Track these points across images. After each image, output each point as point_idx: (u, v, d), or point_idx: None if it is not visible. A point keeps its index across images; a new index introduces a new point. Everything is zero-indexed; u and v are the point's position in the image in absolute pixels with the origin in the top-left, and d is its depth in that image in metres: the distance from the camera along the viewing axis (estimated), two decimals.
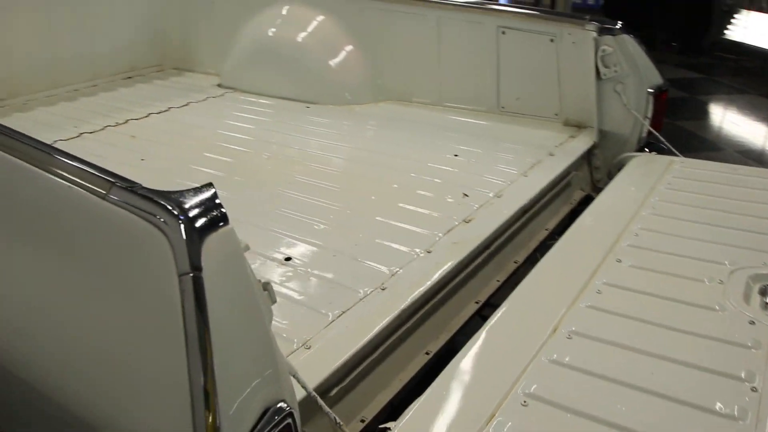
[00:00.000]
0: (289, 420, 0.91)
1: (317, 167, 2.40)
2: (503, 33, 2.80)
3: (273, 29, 3.34)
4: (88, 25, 3.42)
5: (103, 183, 0.97)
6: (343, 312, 1.53)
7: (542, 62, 2.75)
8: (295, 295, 1.60)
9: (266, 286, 1.01)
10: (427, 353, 1.66)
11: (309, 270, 1.71)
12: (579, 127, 2.75)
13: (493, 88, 2.92)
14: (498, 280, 1.97)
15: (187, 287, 0.84)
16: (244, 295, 0.90)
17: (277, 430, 0.88)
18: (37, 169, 1.08)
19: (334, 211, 2.05)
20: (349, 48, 3.20)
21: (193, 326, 0.82)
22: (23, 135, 1.18)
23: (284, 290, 1.62)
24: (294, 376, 1.06)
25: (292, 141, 2.68)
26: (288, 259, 1.76)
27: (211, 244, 0.88)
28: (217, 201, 0.93)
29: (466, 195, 2.15)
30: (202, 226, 0.89)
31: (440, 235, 1.88)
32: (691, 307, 1.53)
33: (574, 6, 8.47)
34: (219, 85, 3.49)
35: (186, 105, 3.18)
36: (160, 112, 3.07)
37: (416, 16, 3.00)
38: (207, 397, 0.81)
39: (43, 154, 1.10)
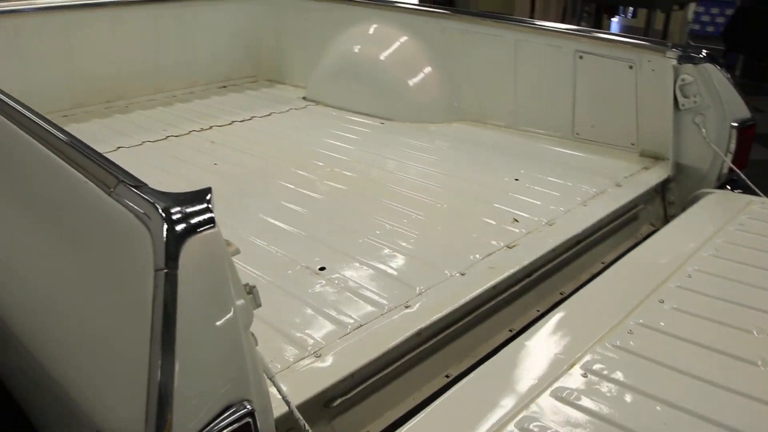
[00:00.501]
0: (249, 419, 0.93)
1: (368, 179, 2.44)
2: (581, 57, 2.72)
3: (358, 46, 3.43)
4: (190, 37, 3.68)
5: (112, 180, 1.06)
6: (362, 325, 1.55)
7: (620, 89, 2.64)
8: (320, 304, 1.63)
9: (251, 290, 1.05)
10: (446, 376, 1.64)
11: (340, 280, 1.74)
12: (656, 158, 2.61)
13: (569, 113, 2.84)
14: (538, 310, 1.91)
15: (160, 282, 0.89)
16: (218, 296, 0.94)
17: (236, 426, 0.91)
18: (60, 160, 1.18)
19: (375, 224, 2.07)
20: (428, 68, 3.23)
21: (160, 319, 0.87)
22: (58, 127, 1.30)
23: (310, 299, 1.66)
24: (271, 379, 1.09)
25: (356, 154, 2.73)
26: (322, 268, 1.81)
27: (193, 244, 0.93)
28: (208, 206, 0.98)
29: (516, 220, 2.10)
30: (185, 227, 0.94)
31: (478, 257, 1.86)
32: (730, 359, 1.42)
33: (691, 33, 8.03)
34: (304, 98, 3.63)
35: (269, 115, 3.33)
36: (243, 121, 3.24)
37: (495, 37, 2.98)
38: (163, 386, 0.85)
39: (69, 148, 1.21)
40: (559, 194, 2.31)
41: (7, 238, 1.32)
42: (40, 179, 1.30)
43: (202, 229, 0.95)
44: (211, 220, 0.97)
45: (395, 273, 1.78)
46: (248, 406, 0.94)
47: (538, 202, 2.24)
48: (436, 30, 3.18)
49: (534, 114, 2.97)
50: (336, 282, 1.74)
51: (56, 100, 3.28)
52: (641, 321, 1.55)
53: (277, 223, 2.09)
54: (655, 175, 2.48)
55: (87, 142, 2.78)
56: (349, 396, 1.42)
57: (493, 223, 2.09)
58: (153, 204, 0.96)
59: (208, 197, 1.01)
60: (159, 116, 3.31)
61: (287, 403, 1.10)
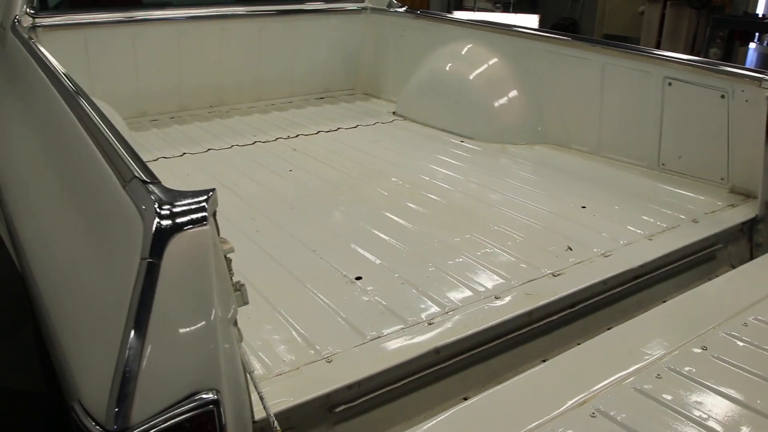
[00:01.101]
0: (212, 407, 0.98)
1: (433, 195, 2.44)
2: (669, 84, 2.57)
3: (449, 64, 3.45)
4: (291, 49, 3.87)
5: (128, 174, 1.16)
6: (379, 336, 1.56)
7: (711, 119, 2.46)
8: (346, 312, 1.67)
9: (239, 288, 1.10)
10: (465, 398, 1.61)
11: (372, 291, 1.77)
12: (747, 196, 2.41)
13: (655, 143, 2.69)
14: (578, 343, 1.82)
15: (143, 270, 0.97)
16: (199, 289, 1.01)
17: (197, 412, 0.97)
18: (97, 151, 1.31)
19: (424, 239, 2.08)
20: (514, 89, 3.19)
21: (136, 303, 0.95)
22: (109, 125, 1.43)
23: (338, 307, 1.70)
24: (249, 375, 1.13)
25: (426, 169, 2.75)
26: (359, 278, 1.84)
27: (181, 239, 1.00)
28: (204, 205, 1.05)
29: (569, 248, 2.03)
30: (176, 222, 1.01)
31: (517, 283, 1.81)
32: (762, 418, 1.28)
33: None
34: (393, 113, 3.70)
35: (355, 127, 3.43)
36: (329, 131, 3.36)
37: (582, 60, 2.89)
38: (131, 364, 0.93)
39: (106, 141, 1.34)
40: (625, 225, 2.19)
41: (43, 209, 1.51)
42: (78, 165, 1.47)
43: (192, 226, 1.02)
44: (204, 219, 1.03)
45: (427, 289, 1.78)
46: (214, 396, 1.00)
47: (601, 232, 2.14)
48: (524, 51, 3.14)
49: (619, 141, 2.84)
50: (369, 292, 1.77)
51: (166, 102, 3.58)
52: (672, 366, 1.44)
53: (323, 227, 2.16)
54: (740, 214, 2.29)
55: (183, 142, 3.05)
56: (353, 404, 1.44)
57: (546, 249, 2.02)
58: (152, 199, 1.04)
59: (207, 197, 1.07)
60: (254, 122, 3.51)
61: (261, 399, 1.14)
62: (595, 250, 2.02)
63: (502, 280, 1.83)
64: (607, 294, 1.91)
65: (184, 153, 2.97)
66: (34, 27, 3.02)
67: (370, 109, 3.84)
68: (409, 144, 3.13)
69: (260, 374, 1.43)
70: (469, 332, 1.59)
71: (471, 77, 3.32)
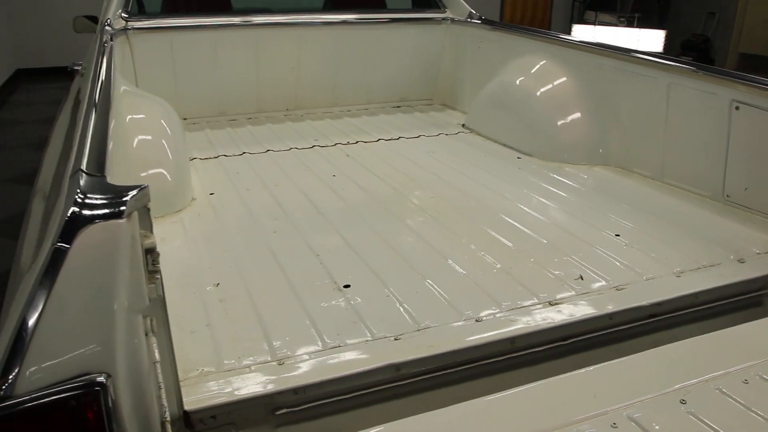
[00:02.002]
0: (99, 389, 1.03)
1: (463, 212, 2.38)
2: (737, 108, 2.33)
3: (518, 78, 3.35)
4: (369, 57, 3.94)
5: (77, 165, 1.25)
6: (339, 346, 1.56)
7: None
8: (319, 318, 1.68)
9: (153, 280, 1.15)
10: None
11: (355, 301, 1.76)
12: None
13: (720, 172, 2.44)
14: None
15: (50, 254, 1.04)
16: (104, 280, 1.06)
17: (82, 392, 1.02)
18: (72, 144, 1.42)
19: (434, 255, 2.04)
20: (578, 106, 3.03)
21: (38, 284, 1.02)
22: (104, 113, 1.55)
23: (313, 312, 1.71)
24: (154, 364, 1.17)
25: (468, 184, 2.68)
26: (347, 286, 1.84)
27: (95, 230, 1.06)
28: (126, 199, 1.11)
29: (581, 278, 1.90)
30: (91, 214, 1.08)
31: (507, 307, 1.73)
32: None
33: None
34: (462, 125, 3.65)
35: (417, 137, 3.43)
36: (389, 140, 3.38)
37: (647, 78, 2.69)
38: (22, 339, 1.00)
39: (80, 135, 1.44)
40: (655, 259, 2.02)
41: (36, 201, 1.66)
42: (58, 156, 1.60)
43: (106, 218, 1.08)
44: (121, 213, 1.09)
45: (412, 306, 1.74)
46: (104, 379, 1.05)
47: (624, 264, 1.99)
48: (593, 67, 2.98)
49: (683, 168, 2.61)
50: (352, 301, 1.76)
51: (244, 104, 3.78)
52: (639, 415, 1.31)
53: (339, 234, 2.18)
54: None
55: (248, 142, 3.18)
56: (297, 409, 1.45)
57: (555, 274, 1.91)
58: (77, 190, 1.12)
59: (135, 193, 1.13)
60: (322, 127, 3.60)
61: (159, 389, 1.18)
62: (610, 281, 1.87)
63: (491, 303, 1.75)
64: (613, 330, 1.77)
65: (244, 152, 3.12)
66: (125, 29, 3.31)
67: (441, 120, 3.82)
68: (462, 158, 3.07)
69: (209, 368, 1.47)
70: (434, 353, 1.54)
71: (537, 93, 3.20)
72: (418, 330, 1.63)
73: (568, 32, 9.28)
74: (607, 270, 1.94)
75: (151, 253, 1.19)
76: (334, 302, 1.76)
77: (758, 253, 2.05)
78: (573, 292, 1.81)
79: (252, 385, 1.43)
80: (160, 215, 2.32)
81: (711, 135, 2.45)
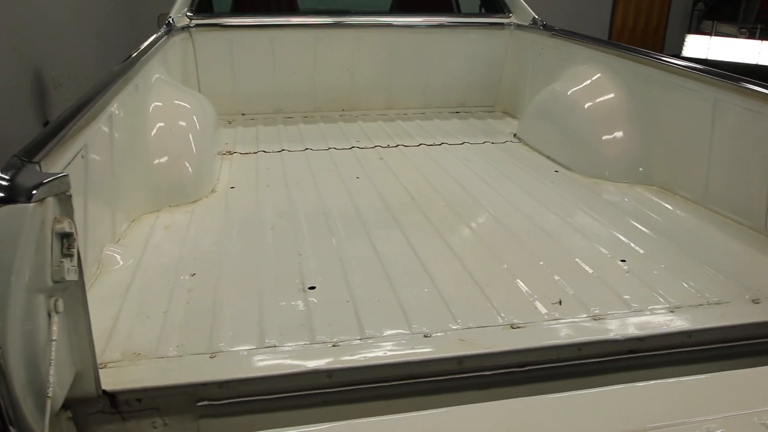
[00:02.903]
0: None
1: (470, 223, 2.30)
2: None
3: (568, 89, 3.17)
4: (425, 61, 3.90)
5: (17, 153, 1.33)
6: (276, 346, 1.56)
7: None
8: (269, 317, 1.68)
9: (65, 263, 1.21)
10: None
11: (312, 303, 1.75)
12: None
13: (763, 201, 2.19)
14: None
15: None
16: (3, 258, 1.12)
17: None
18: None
19: (418, 264, 1.98)
20: (625, 121, 2.83)
21: None
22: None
23: (267, 310, 1.71)
24: (52, 342, 1.22)
25: (490, 196, 2.57)
26: (312, 288, 1.83)
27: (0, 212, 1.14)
28: (37, 186, 1.17)
29: (559, 302, 1.77)
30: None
31: (462, 327, 1.64)
32: None
33: None
34: (514, 135, 3.51)
35: (460, 144, 3.34)
36: (431, 145, 3.32)
37: (693, 93, 2.46)
38: None
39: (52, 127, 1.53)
40: (656, 290, 1.84)
41: None
42: None
43: (11, 202, 1.14)
44: (29, 198, 1.15)
45: (366, 314, 1.70)
46: None
47: (616, 292, 1.83)
48: (641, 79, 2.76)
49: (725, 193, 2.37)
50: (309, 304, 1.75)
51: (300, 102, 3.86)
52: None
53: (333, 236, 2.17)
54: None
55: (292, 140, 3.50)
56: (219, 403, 1.46)
57: (534, 296, 1.79)
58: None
59: (46, 180, 1.19)
60: (369, 129, 3.61)
61: (50, 366, 1.21)
62: (591, 309, 1.73)
63: (449, 319, 1.68)
64: (581, 362, 1.63)
65: (283, 150, 3.19)
66: (187, 27, 3.50)
67: (495, 128, 3.70)
68: (496, 167, 2.96)
69: (145, 353, 1.52)
70: (368, 363, 1.50)
71: (582, 104, 3.02)
72: (360, 339, 1.59)
73: (681, 43, 8.66)
74: (593, 297, 1.80)
75: (67, 237, 1.24)
76: (292, 303, 1.76)
77: None
78: (542, 317, 1.69)
79: (179, 374, 1.46)
80: (175, 204, 2.43)
81: (755, 159, 2.20)
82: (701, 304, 1.77)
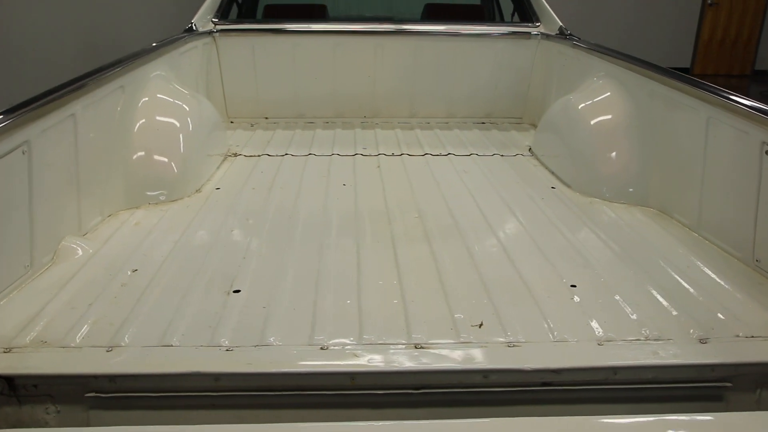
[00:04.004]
0: None
1: (435, 237, 2.21)
2: (767, 153, 1.87)
3: (574, 102, 3.00)
4: (448, 70, 3.82)
5: None
6: (171, 345, 1.57)
7: None
8: (180, 316, 1.70)
9: None
10: None
11: (230, 307, 1.75)
12: None
13: (750, 230, 1.98)
14: None
15: None
16: None
17: None
18: None
19: (349, 275, 1.94)
20: (624, 138, 2.67)
21: None
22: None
23: (183, 308, 1.74)
24: None
25: (469, 210, 2.48)
26: (237, 291, 1.84)
27: None
28: None
29: (480, 325, 1.68)
30: None
31: (367, 341, 1.59)
32: None
33: None
34: (529, 149, 3.38)
35: (467, 155, 3.25)
36: (436, 155, 3.25)
37: (689, 110, 2.27)
38: None
39: None
40: (588, 319, 1.71)
41: None
42: None
43: None
44: None
45: (274, 321, 1.68)
46: None
47: (545, 319, 1.71)
48: (645, 93, 2.58)
49: (717, 220, 2.17)
50: (226, 307, 1.75)
51: (321, 108, 3.90)
52: None
53: (288, 242, 2.16)
54: None
55: (299, 145, 3.50)
56: (106, 396, 1.49)
57: (455, 317, 1.71)
58: None
59: None
60: (384, 136, 3.57)
61: None
62: (509, 335, 1.63)
63: (354, 333, 1.62)
64: (488, 390, 1.54)
65: (287, 154, 3.23)
66: (211, 32, 3.62)
67: (513, 141, 3.57)
68: (492, 180, 2.85)
69: (51, 341, 1.57)
70: (251, 371, 1.49)
71: (584, 119, 2.87)
72: (255, 346, 1.57)
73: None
74: (519, 322, 1.69)
75: None
76: (209, 305, 1.76)
77: (738, 336, 1.63)
78: (453, 339, 1.61)
79: (73, 364, 1.50)
80: (155, 202, 2.51)
81: (742, 183, 2.00)
82: (637, 339, 1.62)
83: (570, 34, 3.49)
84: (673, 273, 1.98)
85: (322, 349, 1.57)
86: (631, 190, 2.57)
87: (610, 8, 9.13)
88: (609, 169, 2.66)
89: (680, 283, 1.92)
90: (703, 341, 1.62)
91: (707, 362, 1.55)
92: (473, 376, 1.53)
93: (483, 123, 3.94)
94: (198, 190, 2.67)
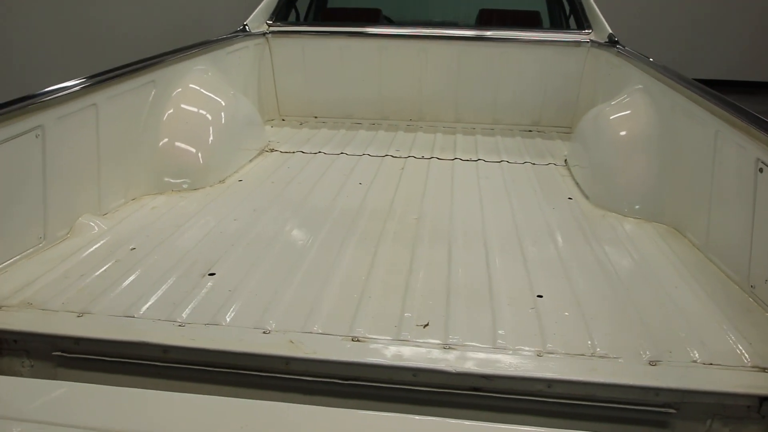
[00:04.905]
0: None
1: (423, 240, 2.23)
2: (761, 171, 1.74)
3: (603, 113, 2.90)
4: (493, 76, 3.79)
5: None
6: (134, 316, 1.70)
7: None
8: (153, 290, 1.84)
9: None
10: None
11: (197, 287, 1.86)
12: None
13: (746, 252, 1.85)
14: None
15: None
16: None
17: None
18: None
19: (320, 269, 1.99)
20: (644, 152, 2.56)
21: None
22: None
23: (156, 285, 1.87)
24: None
25: (470, 212, 2.48)
26: (211, 274, 1.95)
27: None
28: None
29: (425, 325, 1.69)
30: None
31: (305, 330, 1.65)
32: None
33: None
34: (566, 160, 3.28)
35: (497, 162, 3.22)
36: (466, 160, 3.24)
37: (702, 122, 2.14)
38: None
39: None
40: (539, 331, 1.67)
41: None
42: None
43: None
44: None
45: (236, 304, 1.77)
46: None
47: (491, 325, 1.69)
48: (667, 105, 2.46)
49: (724, 242, 2.03)
50: (195, 287, 1.86)
51: (368, 110, 3.98)
52: None
53: (284, 234, 2.25)
54: (746, 381, 1.47)
55: (335, 144, 3.62)
56: (69, 356, 1.64)
57: (405, 316, 1.73)
58: None
59: None
60: (422, 140, 3.59)
61: None
62: (448, 338, 1.62)
63: (302, 322, 1.68)
64: (418, 389, 1.55)
65: (320, 152, 3.33)
66: (264, 33, 3.80)
67: (555, 150, 3.47)
68: (509, 188, 2.80)
69: (35, 302, 1.75)
70: (193, 346, 1.59)
71: (612, 131, 2.80)
72: (206, 325, 1.67)
73: None
74: (466, 326, 1.68)
75: None
76: (182, 284, 1.88)
77: (695, 363, 1.54)
78: (392, 336, 1.63)
79: (46, 325, 1.67)
80: (178, 189, 2.69)
81: (740, 203, 1.87)
82: (582, 355, 1.57)
83: (617, 42, 3.36)
84: (656, 292, 1.89)
85: (264, 333, 1.64)
86: (646, 205, 2.46)
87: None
88: (625, 183, 2.55)
89: (660, 304, 1.82)
90: (653, 363, 1.54)
91: (650, 385, 1.48)
92: (402, 373, 1.54)
93: (530, 131, 3.87)
94: (222, 181, 2.83)
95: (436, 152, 3.36)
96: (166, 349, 1.61)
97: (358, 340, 1.61)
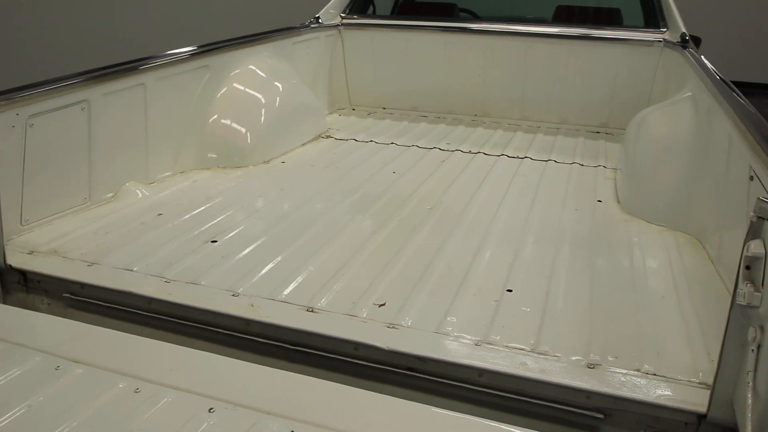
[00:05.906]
0: None
1: (430, 228, 2.28)
2: (751, 179, 1.61)
3: (654, 117, 2.75)
4: (562, 75, 3.69)
5: None
6: (134, 270, 1.91)
7: None
8: (156, 249, 2.05)
9: None
10: None
11: (200, 251, 2.05)
12: None
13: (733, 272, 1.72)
14: None
15: None
16: None
17: None
18: None
19: (312, 247, 2.10)
20: (677, 159, 2.41)
21: None
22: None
23: (160, 243, 2.09)
24: None
25: (488, 207, 2.48)
26: (214, 241, 2.13)
27: None
28: None
29: (382, 305, 1.75)
30: None
31: (267, 296, 1.78)
32: None
33: None
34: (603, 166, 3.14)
35: (544, 161, 3.16)
36: (512, 157, 3.21)
37: (721, 127, 2.00)
38: None
39: None
40: (485, 323, 1.67)
41: None
42: None
43: None
44: None
45: (229, 272, 1.92)
46: None
47: (444, 312, 1.72)
48: (704, 110, 2.31)
49: (729, 255, 1.90)
50: (197, 251, 2.05)
51: (434, 103, 4.03)
52: None
53: (282, 208, 2.40)
54: (686, 397, 1.40)
55: (391, 134, 3.73)
56: (75, 298, 1.89)
57: (367, 294, 1.80)
58: None
59: None
60: (479, 135, 3.59)
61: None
62: (399, 319, 1.68)
63: (265, 291, 1.81)
64: (357, 362, 1.62)
65: (371, 141, 3.44)
66: (337, 25, 3.97)
67: (610, 153, 3.32)
68: (542, 187, 2.74)
69: (59, 251, 2.01)
70: (170, 299, 1.77)
71: (650, 135, 2.67)
72: (187, 283, 1.84)
73: None
74: (420, 310, 1.73)
75: None
76: (185, 248, 2.07)
77: (638, 371, 1.49)
78: (345, 311, 1.72)
79: (61, 269, 1.93)
80: (222, 166, 2.91)
81: (742, 214, 1.74)
82: (521, 349, 1.57)
83: (688, 43, 3.16)
84: (637, 301, 1.81)
85: (233, 295, 1.79)
86: (672, 213, 2.33)
87: None
88: (653, 189, 2.42)
89: (635, 312, 1.76)
90: (591, 366, 1.50)
91: (580, 387, 1.45)
92: (345, 345, 1.62)
93: (597, 132, 3.73)
94: (266, 162, 3.02)
95: (486, 148, 3.35)
96: (150, 300, 1.80)
97: (313, 311, 1.71)
